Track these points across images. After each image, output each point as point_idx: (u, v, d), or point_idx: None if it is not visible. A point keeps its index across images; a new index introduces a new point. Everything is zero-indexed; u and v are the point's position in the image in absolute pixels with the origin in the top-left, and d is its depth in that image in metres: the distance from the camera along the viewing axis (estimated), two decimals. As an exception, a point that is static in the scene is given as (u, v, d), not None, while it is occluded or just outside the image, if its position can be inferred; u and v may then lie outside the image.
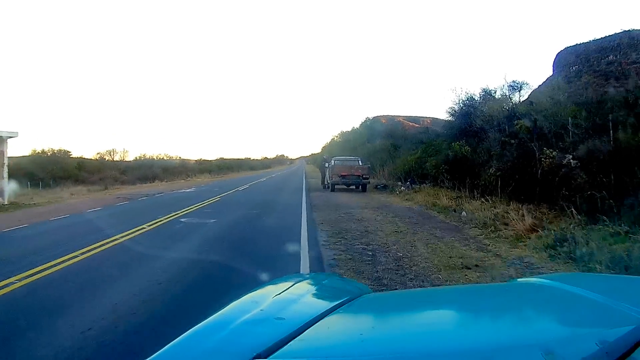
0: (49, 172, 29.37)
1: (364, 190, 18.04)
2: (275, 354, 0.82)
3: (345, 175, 17.80)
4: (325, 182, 20.55)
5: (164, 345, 0.86)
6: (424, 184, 15.86)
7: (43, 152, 35.78)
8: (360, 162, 19.65)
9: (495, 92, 16.73)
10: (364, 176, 17.93)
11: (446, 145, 15.81)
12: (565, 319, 1.11)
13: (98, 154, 46.48)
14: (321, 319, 1.01)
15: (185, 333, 0.95)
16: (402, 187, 17.02)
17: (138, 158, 48.62)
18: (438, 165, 14.88)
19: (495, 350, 0.87)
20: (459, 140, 14.69)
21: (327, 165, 20.63)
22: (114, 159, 45.57)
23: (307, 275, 1.54)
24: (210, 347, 0.88)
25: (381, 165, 24.04)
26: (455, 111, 18.01)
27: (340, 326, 1.06)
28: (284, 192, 19.73)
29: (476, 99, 16.95)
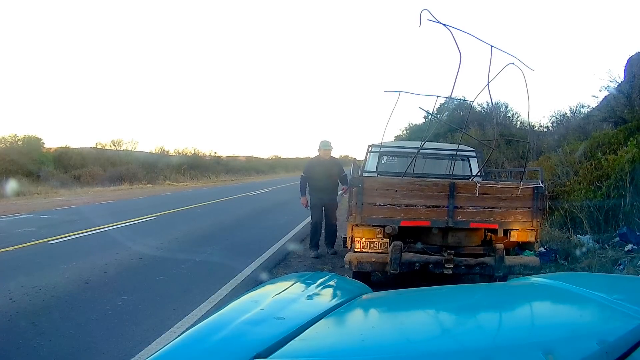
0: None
1: None
2: (275, 353, 0.82)
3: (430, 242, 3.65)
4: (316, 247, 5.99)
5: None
6: None
7: (2, 139, 27.18)
8: (469, 164, 5.17)
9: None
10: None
11: None
12: (565, 319, 1.11)
13: (98, 143, 37.79)
14: (321, 319, 1.01)
15: (185, 333, 0.95)
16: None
17: (154, 151, 39.56)
18: None
19: (495, 350, 0.87)
20: None
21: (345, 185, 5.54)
22: (120, 150, 36.69)
23: (307, 275, 1.53)
24: (210, 347, 0.88)
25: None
26: None
27: (340, 326, 1.06)
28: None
29: None
